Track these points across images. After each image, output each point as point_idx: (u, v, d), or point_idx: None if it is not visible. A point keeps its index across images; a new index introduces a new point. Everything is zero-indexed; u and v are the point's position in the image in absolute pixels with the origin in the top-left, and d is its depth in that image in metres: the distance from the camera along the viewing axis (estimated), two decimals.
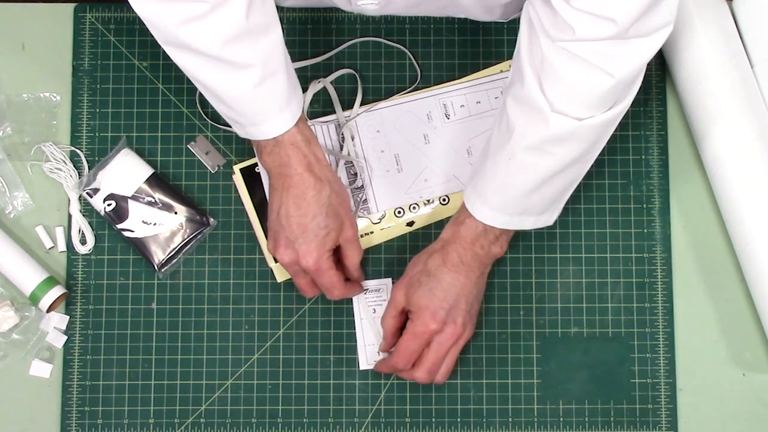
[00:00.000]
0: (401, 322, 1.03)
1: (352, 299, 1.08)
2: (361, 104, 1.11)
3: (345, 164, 1.09)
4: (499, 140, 0.96)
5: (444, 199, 1.10)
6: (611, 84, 0.88)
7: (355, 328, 1.08)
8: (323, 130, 1.10)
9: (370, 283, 1.09)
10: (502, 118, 0.96)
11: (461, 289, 1.00)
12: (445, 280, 1.00)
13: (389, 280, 1.09)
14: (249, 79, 0.93)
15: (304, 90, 1.10)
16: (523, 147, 0.93)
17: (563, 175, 0.96)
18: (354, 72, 1.12)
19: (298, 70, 1.12)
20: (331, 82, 1.11)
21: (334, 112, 1.11)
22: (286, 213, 0.98)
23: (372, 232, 1.10)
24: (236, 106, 0.95)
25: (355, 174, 1.10)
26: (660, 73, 1.12)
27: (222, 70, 0.92)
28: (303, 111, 0.99)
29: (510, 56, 1.07)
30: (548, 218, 1.01)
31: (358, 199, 1.09)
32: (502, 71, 1.12)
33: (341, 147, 1.10)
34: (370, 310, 1.08)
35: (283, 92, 0.96)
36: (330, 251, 1.00)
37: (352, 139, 1.10)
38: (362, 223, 1.09)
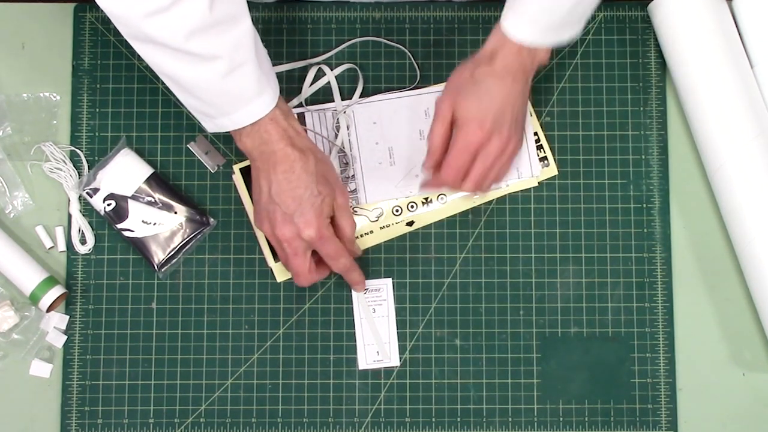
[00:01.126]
0: (449, 135, 1.03)
1: (351, 299, 1.08)
2: (360, 98, 1.11)
3: (338, 153, 1.10)
4: None
5: (443, 199, 1.10)
6: None
7: (354, 328, 1.08)
8: (319, 117, 1.11)
9: (371, 283, 1.09)
10: None
11: (507, 98, 1.00)
12: (492, 89, 1.00)
13: (389, 280, 1.09)
14: (216, 70, 0.93)
15: (303, 77, 1.11)
16: None
17: None
18: (356, 67, 1.12)
19: (298, 70, 1.12)
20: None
21: (332, 102, 1.11)
22: (278, 189, 0.98)
23: (371, 232, 1.10)
24: (205, 96, 0.95)
25: (347, 163, 1.10)
26: (660, 73, 1.12)
27: (188, 63, 0.92)
28: (278, 95, 0.99)
29: None
30: (578, 29, 1.01)
31: (348, 189, 1.09)
32: None
33: (336, 135, 1.10)
34: (369, 309, 1.08)
35: (252, 82, 0.95)
36: (328, 219, 1.00)
37: (347, 129, 1.10)
38: (361, 222, 1.09)
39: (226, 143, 1.11)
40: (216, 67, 0.93)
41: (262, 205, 1.00)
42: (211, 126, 0.99)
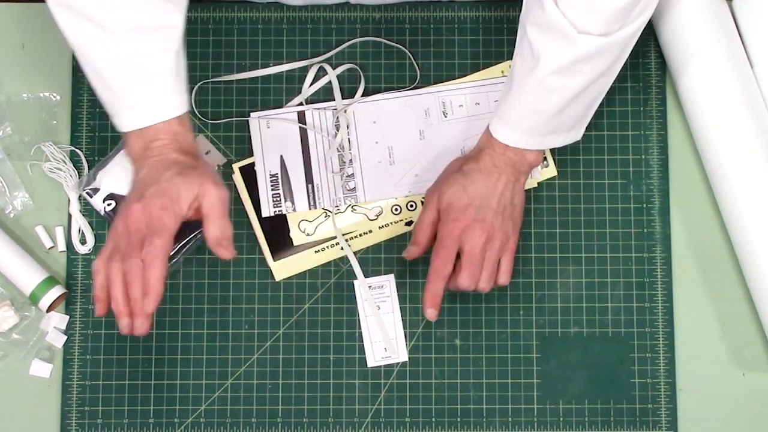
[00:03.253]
0: (435, 227, 1.03)
1: (352, 299, 1.08)
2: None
3: (337, 152, 1.10)
4: (524, 68, 0.97)
5: None
6: None
7: (359, 327, 1.08)
8: (319, 115, 1.11)
9: (373, 280, 1.09)
10: (523, 47, 0.97)
11: (492, 189, 1.01)
12: (477, 179, 1.01)
13: (392, 277, 1.09)
14: (131, 58, 0.92)
15: (303, 77, 1.11)
16: (551, 71, 0.94)
17: (591, 89, 0.97)
18: (357, 67, 1.12)
19: (298, 70, 1.12)
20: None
21: (333, 101, 1.11)
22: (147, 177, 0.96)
23: (371, 231, 1.10)
24: (114, 84, 0.94)
25: (345, 162, 1.10)
26: (660, 73, 1.12)
27: (107, 41, 0.92)
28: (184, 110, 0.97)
29: (510, 56, 1.07)
30: (576, 133, 1.03)
31: (347, 187, 1.10)
32: (503, 72, 1.12)
33: (336, 134, 1.10)
34: (375, 306, 1.08)
35: (165, 84, 0.94)
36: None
37: (347, 128, 1.10)
38: (357, 219, 1.09)
39: (226, 143, 1.11)
40: (132, 53, 0.92)
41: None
42: (117, 123, 0.97)
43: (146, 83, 0.94)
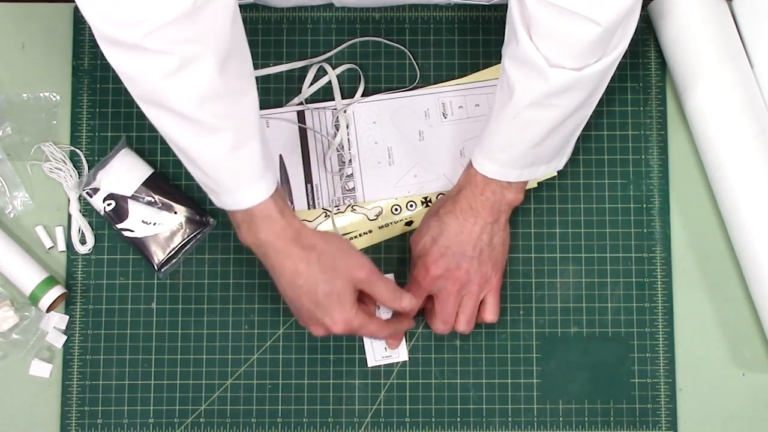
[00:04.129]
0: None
1: None
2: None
3: (337, 152, 1.10)
4: (502, 100, 0.97)
5: None
6: (599, 32, 0.89)
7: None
8: (319, 115, 1.11)
9: None
10: (502, 79, 0.97)
11: (468, 235, 1.01)
12: (451, 225, 1.01)
13: (392, 276, 1.09)
14: (223, 143, 0.91)
15: (303, 77, 1.11)
16: (525, 104, 0.94)
17: (568, 122, 0.97)
18: (356, 67, 1.12)
19: (298, 70, 1.12)
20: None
21: (332, 101, 1.11)
22: (293, 295, 0.97)
23: (370, 231, 1.10)
24: (210, 171, 0.93)
25: (345, 162, 1.10)
26: (660, 73, 1.12)
27: (196, 132, 0.91)
28: (278, 183, 0.97)
29: None
30: (557, 164, 1.03)
31: (346, 187, 1.09)
32: None
33: (335, 134, 1.10)
34: (375, 306, 1.08)
35: (258, 161, 0.94)
36: (353, 305, 0.97)
37: (347, 128, 1.10)
38: (359, 221, 1.09)
39: None
40: (223, 138, 0.91)
41: (288, 302, 1.00)
42: (217, 201, 0.97)
43: (245, 166, 0.94)
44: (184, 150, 0.93)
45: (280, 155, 1.10)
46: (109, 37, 0.87)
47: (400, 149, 1.10)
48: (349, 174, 1.10)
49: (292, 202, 1.09)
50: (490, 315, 1.04)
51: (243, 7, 1.12)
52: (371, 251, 1.09)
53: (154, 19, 0.84)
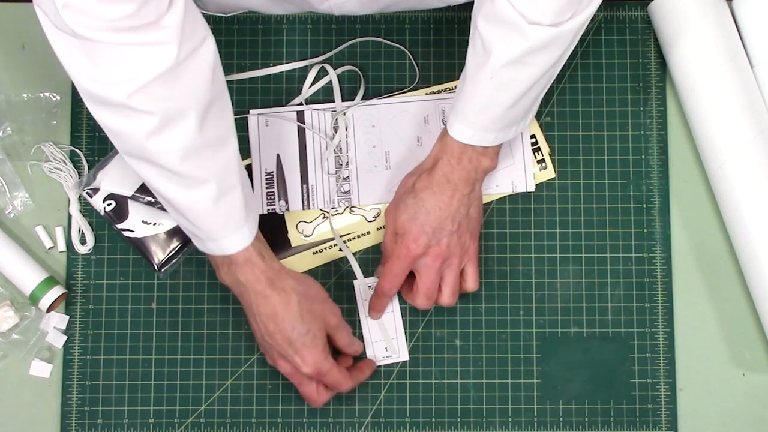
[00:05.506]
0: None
1: (354, 296, 1.08)
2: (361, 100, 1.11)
3: (334, 154, 1.10)
4: (476, 62, 0.97)
5: None
6: None
7: (359, 327, 1.08)
8: (318, 116, 1.11)
9: (373, 280, 1.09)
10: (475, 41, 0.97)
11: (445, 210, 1.01)
12: (428, 201, 1.01)
13: None
14: (208, 194, 0.93)
15: (303, 77, 1.11)
16: (503, 63, 0.94)
17: (543, 80, 0.97)
18: (357, 69, 1.12)
19: (298, 70, 1.12)
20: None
21: (332, 102, 1.11)
22: (266, 332, 0.99)
23: (368, 232, 1.10)
24: (195, 220, 0.95)
25: (342, 164, 1.10)
26: (660, 73, 1.12)
27: (181, 185, 0.93)
28: (257, 225, 1.00)
29: None
30: (524, 124, 1.03)
31: (342, 190, 1.09)
32: None
33: (333, 135, 1.10)
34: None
35: (241, 208, 0.96)
36: (324, 349, 1.00)
37: (346, 130, 1.10)
38: (358, 222, 1.09)
39: None
40: (208, 190, 0.93)
41: (258, 339, 1.02)
42: (201, 247, 0.99)
43: (229, 216, 0.96)
44: (171, 201, 0.95)
45: (277, 154, 1.10)
46: (94, 96, 0.88)
47: (398, 154, 1.10)
48: (345, 176, 1.10)
49: (287, 202, 1.09)
50: (472, 284, 1.05)
51: None
52: (371, 251, 1.09)
53: (139, 77, 0.86)
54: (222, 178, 0.94)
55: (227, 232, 0.96)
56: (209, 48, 0.90)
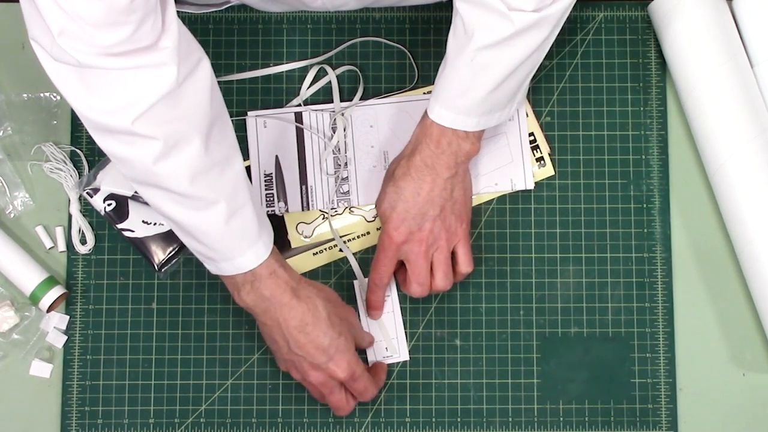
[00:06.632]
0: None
1: (355, 296, 1.08)
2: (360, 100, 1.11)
3: (332, 154, 1.10)
4: (458, 45, 0.97)
5: None
6: None
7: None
8: (317, 116, 1.10)
9: None
10: (456, 24, 0.97)
11: (425, 196, 1.01)
12: (407, 189, 1.01)
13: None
14: (219, 214, 0.93)
15: (303, 77, 1.11)
16: (483, 46, 0.94)
17: (526, 64, 0.97)
18: (356, 69, 1.12)
19: (298, 70, 1.12)
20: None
21: (331, 102, 1.11)
22: (297, 344, 0.98)
23: (368, 233, 1.10)
24: (208, 241, 0.95)
25: (340, 165, 1.10)
26: (660, 73, 1.12)
27: (192, 207, 0.92)
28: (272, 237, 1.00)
29: None
30: (509, 111, 1.02)
31: (341, 191, 1.09)
32: None
33: (332, 136, 1.10)
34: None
35: (254, 223, 0.95)
36: (355, 352, 1.01)
37: (344, 130, 1.10)
38: (354, 220, 1.09)
39: None
40: (218, 210, 0.92)
41: (284, 357, 1.01)
42: (214, 269, 0.98)
43: (245, 233, 0.96)
44: (182, 225, 0.94)
45: (276, 156, 1.10)
46: (99, 125, 0.88)
47: (396, 154, 1.10)
48: (344, 177, 1.10)
49: (286, 203, 1.09)
50: (464, 266, 1.04)
51: (242, 7, 1.12)
52: (371, 251, 1.09)
53: (142, 101, 0.86)
54: (231, 196, 0.93)
55: (242, 250, 0.95)
56: (205, 68, 0.90)
